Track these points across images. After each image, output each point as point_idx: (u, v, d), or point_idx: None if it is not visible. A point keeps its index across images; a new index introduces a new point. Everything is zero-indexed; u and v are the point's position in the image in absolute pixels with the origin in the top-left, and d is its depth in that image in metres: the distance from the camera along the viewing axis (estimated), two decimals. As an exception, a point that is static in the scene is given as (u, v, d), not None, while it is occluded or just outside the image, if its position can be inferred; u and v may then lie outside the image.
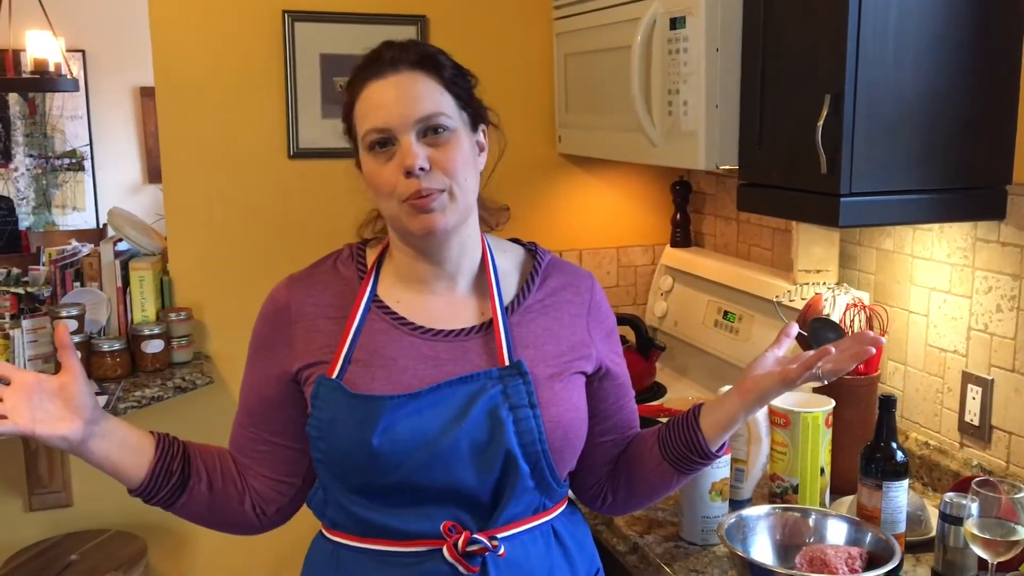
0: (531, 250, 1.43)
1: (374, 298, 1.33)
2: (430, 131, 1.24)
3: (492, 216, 1.42)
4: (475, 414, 1.24)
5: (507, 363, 1.28)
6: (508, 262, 1.39)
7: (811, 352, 1.29)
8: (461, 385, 1.26)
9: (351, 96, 1.28)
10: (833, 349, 1.28)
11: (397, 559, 1.26)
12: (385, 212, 1.29)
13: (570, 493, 1.42)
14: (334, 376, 1.27)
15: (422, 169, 1.22)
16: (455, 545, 1.23)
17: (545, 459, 1.27)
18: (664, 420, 1.46)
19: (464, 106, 1.30)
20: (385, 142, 1.24)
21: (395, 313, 1.32)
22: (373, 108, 1.24)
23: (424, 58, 1.27)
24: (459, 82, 1.30)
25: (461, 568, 1.23)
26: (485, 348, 1.30)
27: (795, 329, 1.37)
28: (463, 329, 1.32)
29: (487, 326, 1.32)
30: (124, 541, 2.41)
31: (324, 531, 1.35)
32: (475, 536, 1.24)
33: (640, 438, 1.43)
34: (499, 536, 1.26)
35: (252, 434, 1.37)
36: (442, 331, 1.31)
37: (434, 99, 1.25)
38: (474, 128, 1.32)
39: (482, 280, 1.36)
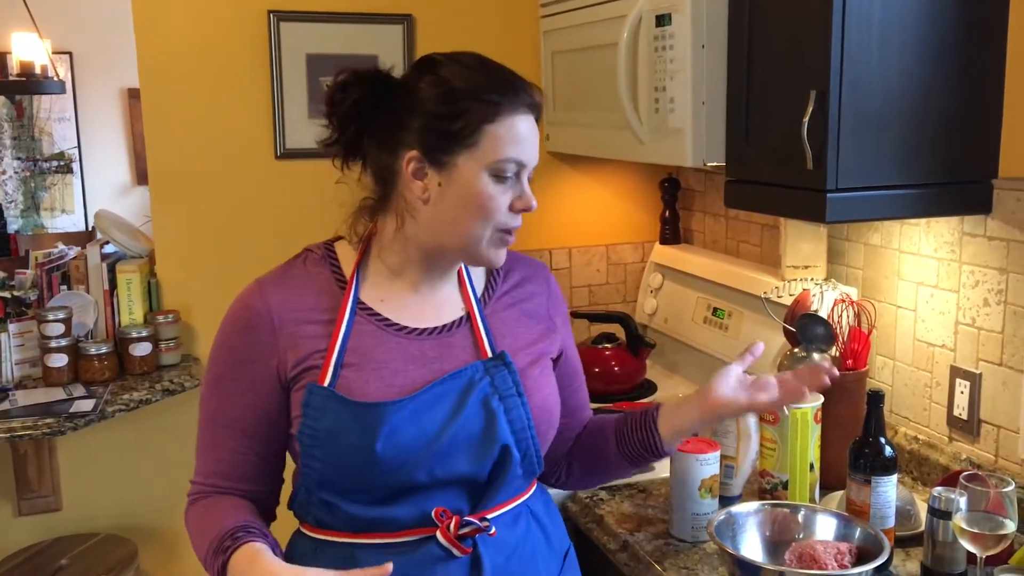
0: None
1: (358, 301, 1.33)
2: (529, 179, 1.32)
3: None
4: (469, 408, 1.27)
5: (490, 355, 1.33)
6: None
7: (771, 378, 1.39)
8: (452, 382, 1.29)
9: (489, 112, 1.25)
10: (789, 376, 1.39)
11: (390, 550, 1.27)
12: (465, 232, 1.28)
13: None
14: (326, 383, 1.26)
15: None
16: (448, 528, 1.26)
17: (533, 444, 1.32)
18: (619, 412, 1.52)
19: None
20: (511, 175, 1.28)
21: (380, 315, 1.33)
22: (520, 140, 1.28)
23: (541, 110, 1.33)
24: None
25: (455, 551, 1.26)
26: (467, 342, 1.34)
27: (760, 348, 1.44)
28: (444, 325, 1.35)
29: (465, 320, 1.36)
30: (114, 544, 2.40)
31: (303, 529, 1.35)
32: (466, 518, 1.27)
33: (597, 427, 1.52)
34: (489, 517, 1.30)
35: (254, 456, 1.33)
36: (425, 329, 1.34)
37: None
38: None
39: (454, 276, 1.40)
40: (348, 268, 1.35)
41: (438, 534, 1.26)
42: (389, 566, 1.16)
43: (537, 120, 1.32)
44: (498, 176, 1.26)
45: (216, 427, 1.33)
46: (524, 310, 1.42)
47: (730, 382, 1.40)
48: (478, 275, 1.43)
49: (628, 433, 1.45)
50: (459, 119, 1.24)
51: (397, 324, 1.32)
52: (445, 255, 1.33)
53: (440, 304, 1.37)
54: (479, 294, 1.40)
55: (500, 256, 1.32)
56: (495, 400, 1.29)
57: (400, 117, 1.28)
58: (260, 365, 1.30)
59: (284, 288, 1.33)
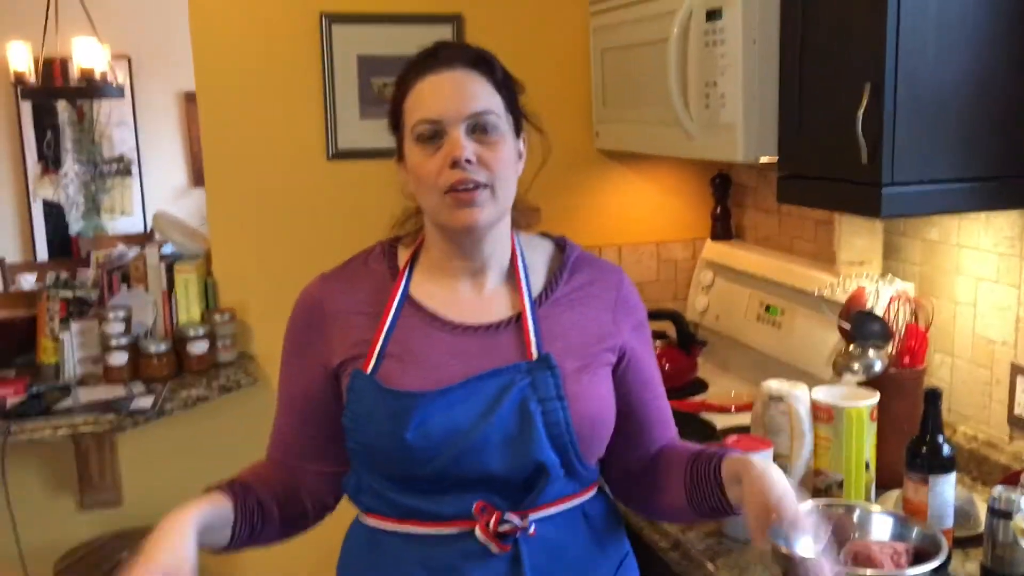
0: (560, 244, 1.45)
1: (407, 295, 1.35)
2: (479, 128, 1.28)
3: (523, 216, 1.43)
4: (505, 407, 1.26)
5: (535, 356, 1.30)
6: (537, 257, 1.42)
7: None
8: (491, 379, 1.28)
9: (402, 90, 1.32)
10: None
11: (432, 540, 1.28)
12: (426, 205, 1.32)
13: (601, 480, 1.44)
14: (369, 371, 1.29)
15: (468, 161, 1.26)
16: (487, 524, 1.26)
17: (573, 449, 1.30)
18: (692, 458, 1.38)
19: (511, 110, 1.34)
20: (434, 134, 1.27)
21: (427, 309, 1.34)
22: (426, 100, 1.28)
23: (479, 59, 1.32)
24: (509, 86, 1.34)
25: (493, 547, 1.27)
26: (514, 342, 1.33)
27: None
28: (492, 323, 1.34)
29: (516, 320, 1.35)
30: (173, 539, 2.45)
31: (360, 515, 1.38)
32: (506, 516, 1.27)
33: (670, 462, 1.41)
34: (530, 517, 1.29)
35: (304, 435, 1.39)
36: (472, 326, 1.34)
37: (486, 98, 1.29)
38: (516, 134, 1.36)
39: (511, 274, 1.39)
40: (403, 264, 1.39)
41: (476, 529, 1.27)
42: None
43: (479, 68, 1.30)
44: (420, 141, 1.28)
45: (282, 405, 1.42)
46: (583, 313, 1.37)
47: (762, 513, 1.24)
48: (538, 275, 1.40)
49: (701, 491, 1.33)
50: (393, 109, 1.34)
51: (443, 319, 1.34)
52: (448, 236, 1.34)
53: (490, 301, 1.36)
54: (536, 294, 1.37)
55: (464, 217, 1.27)
56: (533, 402, 1.27)
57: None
58: (310, 351, 1.36)
59: (341, 281, 1.39)
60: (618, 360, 1.40)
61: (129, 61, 6.13)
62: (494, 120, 1.29)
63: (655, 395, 1.46)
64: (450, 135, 1.26)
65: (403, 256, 1.40)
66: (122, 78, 5.91)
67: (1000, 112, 1.57)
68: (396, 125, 1.34)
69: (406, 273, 1.37)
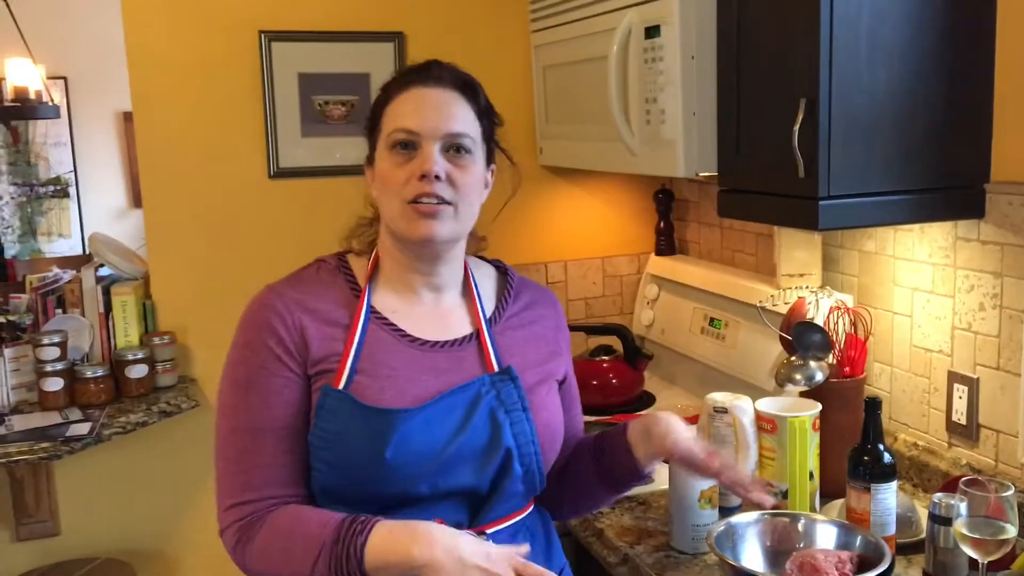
0: (500, 268, 1.51)
1: (371, 309, 1.35)
2: (453, 149, 1.31)
3: (472, 243, 1.46)
4: (477, 420, 1.29)
5: (496, 369, 1.34)
6: (484, 279, 1.47)
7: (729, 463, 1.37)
8: (461, 393, 1.30)
9: (386, 95, 1.34)
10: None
11: None
12: (386, 211, 1.32)
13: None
14: (341, 386, 1.27)
15: (437, 177, 1.28)
16: None
17: (536, 460, 1.32)
18: (595, 436, 1.48)
19: (486, 139, 1.37)
20: (409, 144, 1.29)
21: (394, 324, 1.35)
22: (408, 110, 1.30)
23: (467, 84, 1.35)
24: (490, 116, 1.38)
25: None
26: (476, 356, 1.36)
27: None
28: (455, 339, 1.36)
29: (474, 337, 1.38)
30: (113, 569, 2.38)
31: None
32: (465, 532, 1.25)
33: (577, 453, 1.49)
34: (487, 532, 1.30)
35: (295, 458, 1.28)
36: (438, 342, 1.35)
37: (466, 121, 1.33)
38: (487, 163, 1.39)
39: (466, 294, 1.42)
40: (361, 277, 1.38)
41: None
42: (526, 547, 1.22)
43: (466, 94, 1.34)
44: (394, 147, 1.30)
45: (255, 434, 1.27)
46: (533, 332, 1.44)
47: (683, 446, 1.36)
48: (488, 296, 1.44)
49: (608, 459, 1.42)
50: (371, 115, 1.36)
51: (410, 335, 1.35)
52: (406, 248, 1.34)
53: (449, 318, 1.39)
54: (489, 314, 1.42)
55: (422, 229, 1.28)
56: (501, 413, 1.31)
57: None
58: (288, 360, 1.28)
59: (299, 291, 1.34)
60: (562, 380, 1.46)
61: (66, 81, 6.02)
62: (469, 143, 1.32)
63: (577, 408, 1.55)
64: (424, 149, 1.29)
65: (359, 269, 1.39)
66: (58, 98, 5.79)
67: (931, 126, 1.61)
68: (372, 128, 1.36)
69: (368, 287, 1.36)
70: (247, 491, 1.26)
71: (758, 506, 1.70)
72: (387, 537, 1.16)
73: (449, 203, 1.29)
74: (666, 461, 1.44)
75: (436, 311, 1.38)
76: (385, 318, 1.34)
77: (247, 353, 1.30)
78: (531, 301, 1.47)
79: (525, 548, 1.22)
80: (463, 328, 1.38)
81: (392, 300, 1.37)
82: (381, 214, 1.36)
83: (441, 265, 1.37)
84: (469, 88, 1.35)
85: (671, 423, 1.37)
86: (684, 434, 1.36)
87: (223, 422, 1.30)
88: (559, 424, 1.40)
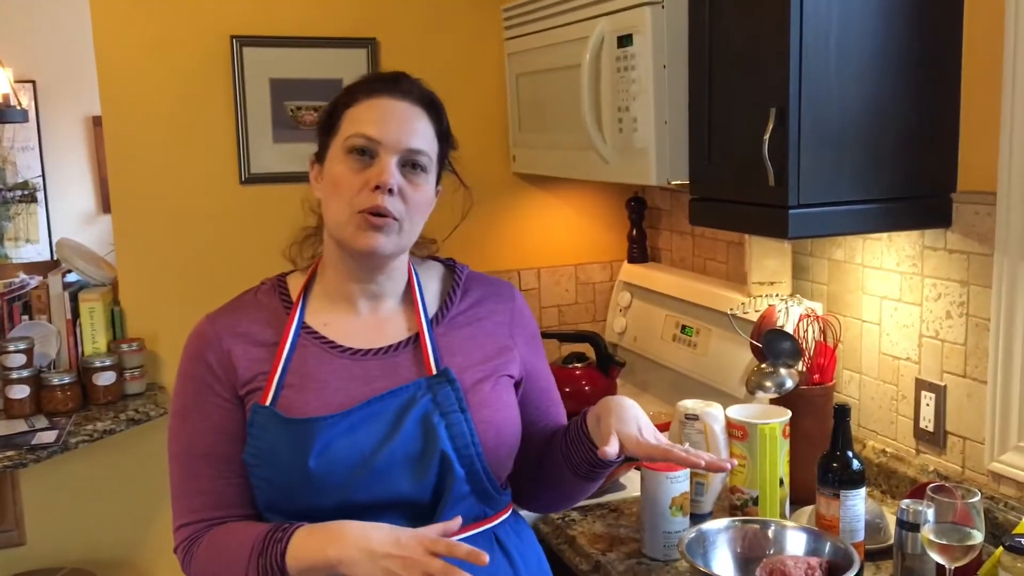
0: (449, 266, 1.49)
1: (302, 324, 1.35)
2: (409, 165, 1.30)
3: (419, 247, 1.45)
4: (408, 425, 1.27)
5: (434, 372, 1.32)
6: (430, 279, 1.45)
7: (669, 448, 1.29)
8: (391, 398, 1.29)
9: (350, 97, 1.33)
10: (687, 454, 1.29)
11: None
12: (332, 216, 1.31)
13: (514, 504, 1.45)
14: (268, 403, 1.27)
15: (390, 191, 1.27)
16: None
17: (480, 462, 1.31)
18: (563, 428, 1.46)
19: (440, 160, 1.37)
20: (366, 151, 1.28)
21: (324, 337, 1.34)
22: (372, 118, 1.29)
23: (433, 103, 1.35)
24: (447, 139, 1.39)
25: None
26: (414, 361, 1.34)
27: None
28: (391, 345, 1.35)
29: (414, 340, 1.36)
30: (79, 579, 2.36)
31: None
32: None
33: (549, 452, 1.46)
34: None
35: (233, 481, 1.30)
36: (371, 350, 1.34)
37: (427, 139, 1.32)
38: (436, 182, 1.39)
39: (407, 297, 1.40)
40: (296, 295, 1.38)
41: None
42: (456, 522, 1.20)
43: (431, 112, 1.34)
44: (351, 153, 1.28)
45: (192, 460, 1.32)
46: (480, 328, 1.41)
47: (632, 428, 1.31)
48: (431, 296, 1.43)
49: (570, 445, 1.40)
50: (329, 114, 1.34)
51: (341, 346, 1.34)
52: (348, 256, 1.33)
53: (385, 325, 1.37)
54: (432, 314, 1.40)
55: (367, 240, 1.27)
56: (436, 416, 1.28)
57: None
58: (218, 387, 1.31)
59: (232, 317, 1.36)
60: (520, 376, 1.43)
61: (34, 85, 5.95)
62: (425, 161, 1.32)
63: (553, 401, 1.52)
64: (381, 159, 1.28)
65: (295, 286, 1.40)
66: (26, 102, 5.72)
67: (899, 136, 1.63)
68: (329, 126, 1.33)
69: (300, 302, 1.36)
70: (190, 513, 1.32)
71: (730, 510, 1.71)
72: (305, 541, 1.19)
73: (396, 219, 1.29)
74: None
75: (373, 320, 1.37)
76: (315, 331, 1.34)
77: (183, 382, 1.35)
78: (481, 297, 1.44)
79: (455, 523, 1.19)
80: (400, 333, 1.37)
81: (326, 313, 1.36)
82: (325, 217, 1.34)
83: (380, 275, 1.36)
84: (434, 107, 1.36)
85: (619, 408, 1.33)
86: (628, 419, 1.31)
87: (169, 446, 1.36)
88: (507, 419, 1.36)
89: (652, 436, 1.30)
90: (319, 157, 1.36)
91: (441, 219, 1.48)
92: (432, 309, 1.41)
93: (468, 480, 1.30)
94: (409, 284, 1.41)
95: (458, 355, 1.36)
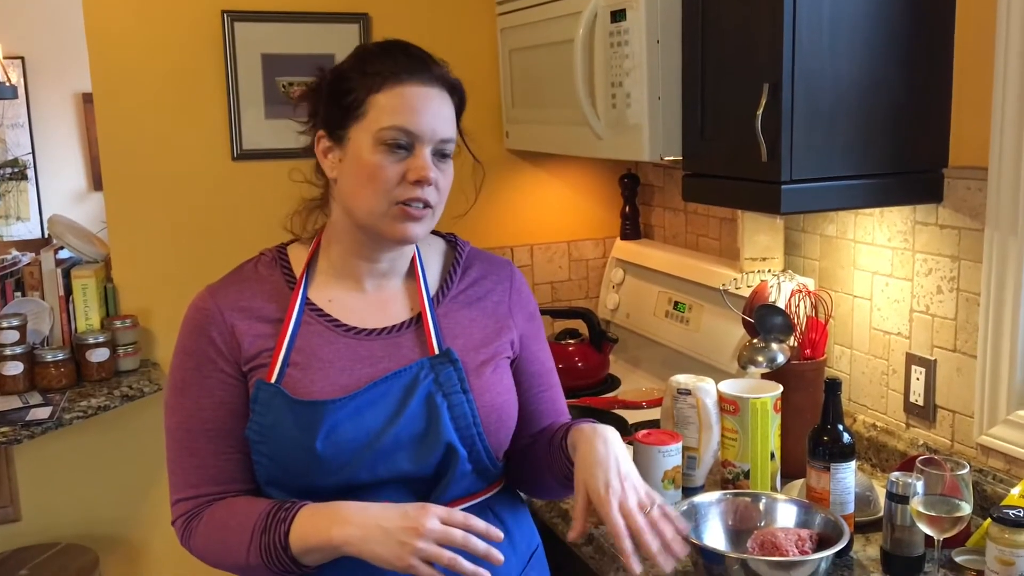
0: (450, 241, 1.48)
1: (306, 300, 1.34)
2: (438, 153, 1.29)
3: None
4: (412, 406, 1.27)
5: (437, 352, 1.32)
6: (431, 255, 1.44)
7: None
8: (396, 379, 1.29)
9: (373, 80, 1.27)
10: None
11: None
12: (364, 206, 1.28)
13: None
14: (273, 380, 1.27)
15: (428, 183, 1.27)
16: None
17: (481, 442, 1.31)
18: (552, 433, 1.42)
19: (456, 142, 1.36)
20: (402, 145, 1.26)
21: (328, 315, 1.33)
22: (407, 109, 1.26)
23: (456, 88, 1.33)
24: (460, 121, 1.36)
25: None
26: (416, 341, 1.34)
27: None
28: (394, 325, 1.35)
29: (416, 320, 1.36)
30: (75, 554, 2.36)
31: None
32: None
33: (537, 445, 1.44)
34: None
35: (232, 457, 1.31)
36: (375, 330, 1.34)
37: (452, 125, 1.32)
38: None
39: (410, 275, 1.39)
40: (299, 269, 1.37)
41: None
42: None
43: (454, 96, 1.32)
44: (387, 145, 1.26)
45: (191, 435, 1.31)
46: (481, 308, 1.40)
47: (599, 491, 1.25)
48: (433, 272, 1.42)
49: (552, 462, 1.38)
50: (350, 93, 1.28)
51: (345, 325, 1.33)
52: (364, 236, 1.32)
53: (389, 304, 1.37)
54: (433, 292, 1.39)
55: (406, 231, 1.28)
56: (439, 396, 1.29)
57: (316, 106, 1.33)
58: (221, 363, 1.30)
59: (234, 290, 1.34)
60: (516, 355, 1.43)
61: (23, 61, 5.90)
62: (452, 148, 1.32)
63: (547, 385, 1.48)
64: (418, 152, 1.27)
65: (296, 259, 1.38)
66: (16, 79, 5.68)
67: (892, 111, 1.63)
68: (348, 107, 1.27)
69: (304, 278, 1.35)
70: (188, 488, 1.31)
71: (721, 483, 1.73)
72: (309, 522, 1.19)
73: (430, 206, 1.29)
74: None
75: (377, 298, 1.36)
76: (320, 309, 1.33)
77: (182, 356, 1.33)
78: (480, 275, 1.43)
79: (461, 517, 1.18)
80: (403, 313, 1.36)
81: (330, 289, 1.35)
82: (347, 201, 1.31)
83: (391, 253, 1.36)
84: (457, 92, 1.34)
85: (591, 457, 1.26)
86: (597, 476, 1.25)
87: (166, 421, 1.35)
88: (506, 403, 1.36)
89: (615, 497, 1.23)
90: (333, 134, 1.30)
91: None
92: (433, 286, 1.40)
93: (469, 459, 1.31)
94: (412, 261, 1.40)
95: (460, 337, 1.36)
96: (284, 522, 1.20)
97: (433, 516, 1.16)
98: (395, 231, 1.28)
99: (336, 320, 1.33)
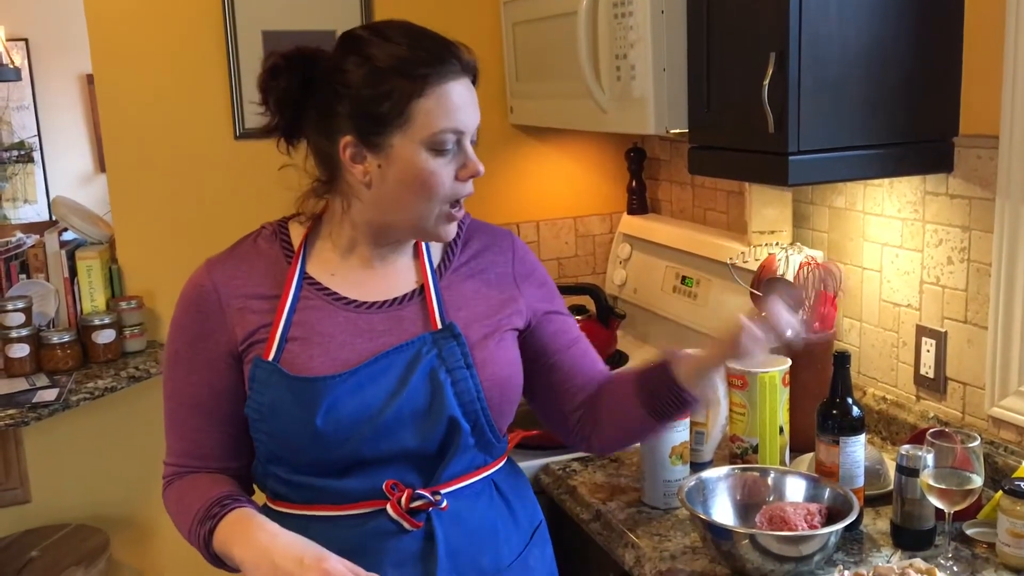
0: None
1: (304, 275, 1.32)
2: (473, 142, 1.28)
3: None
4: (415, 381, 1.26)
5: (440, 326, 1.30)
6: None
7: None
8: (397, 354, 1.27)
9: (415, 85, 1.21)
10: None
11: (342, 522, 1.27)
12: (412, 212, 1.26)
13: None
14: (270, 358, 1.26)
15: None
16: (398, 502, 1.25)
17: (484, 416, 1.30)
18: (632, 371, 1.42)
19: None
20: (451, 145, 1.24)
21: (328, 289, 1.32)
22: (454, 109, 1.24)
23: (477, 71, 1.30)
24: None
25: (405, 524, 1.26)
26: (419, 314, 1.32)
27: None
28: (396, 298, 1.33)
29: (419, 292, 1.34)
30: (85, 535, 2.38)
31: (268, 503, 1.35)
32: (418, 492, 1.26)
33: (616, 389, 1.42)
34: (442, 492, 1.28)
35: (217, 435, 1.32)
36: (376, 303, 1.32)
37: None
38: None
39: (414, 249, 1.38)
40: (298, 243, 1.35)
41: (388, 507, 1.26)
42: None
43: (474, 80, 1.29)
44: (437, 150, 1.23)
45: (178, 406, 1.33)
46: (484, 280, 1.38)
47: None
48: (435, 246, 1.40)
49: (650, 392, 1.36)
50: (387, 99, 1.21)
51: (346, 298, 1.31)
52: (395, 233, 1.32)
53: (393, 277, 1.35)
54: (436, 264, 1.37)
55: (450, 231, 1.30)
56: (442, 372, 1.27)
57: (330, 101, 1.25)
58: (211, 342, 1.30)
59: (231, 265, 1.33)
60: (527, 325, 1.41)
61: (27, 43, 5.88)
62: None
63: (571, 341, 1.46)
64: (465, 148, 1.26)
65: (296, 235, 1.36)
66: (19, 61, 5.67)
67: (900, 79, 1.60)
68: (387, 115, 1.21)
69: (301, 253, 1.33)
70: (171, 454, 1.35)
71: (730, 458, 1.72)
72: (227, 532, 1.22)
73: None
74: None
75: (381, 271, 1.34)
76: (318, 283, 1.31)
77: (176, 330, 1.34)
78: (482, 247, 1.41)
79: None
80: (407, 285, 1.34)
81: (331, 265, 1.33)
82: (390, 208, 1.26)
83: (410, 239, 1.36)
84: (477, 75, 1.31)
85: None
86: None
87: (163, 388, 1.36)
88: (510, 377, 1.35)
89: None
90: (368, 142, 1.23)
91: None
92: (436, 257, 1.38)
93: (473, 434, 1.30)
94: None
95: (463, 309, 1.34)
96: (214, 519, 1.23)
97: (322, 575, 1.13)
98: (440, 233, 1.29)
99: (335, 293, 1.31)
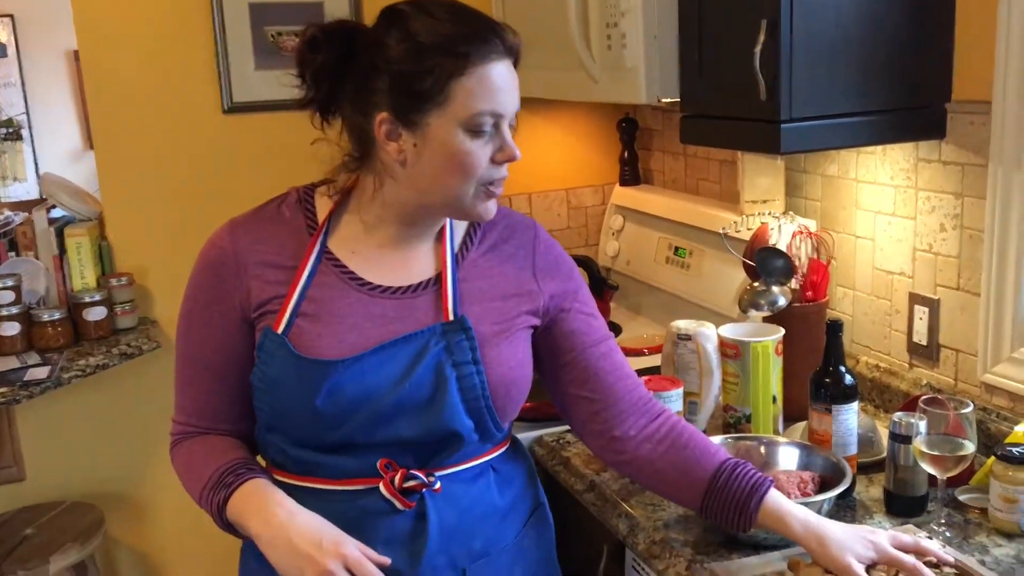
0: None
1: (325, 250, 1.29)
2: (512, 126, 1.26)
3: None
4: (420, 372, 1.24)
5: (451, 318, 1.27)
6: None
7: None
8: (405, 344, 1.25)
9: (456, 64, 1.18)
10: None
11: (336, 496, 1.26)
12: (448, 192, 1.24)
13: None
14: (280, 330, 1.24)
15: None
16: (392, 481, 1.24)
17: (489, 413, 1.29)
18: (724, 470, 1.33)
19: None
20: (489, 127, 1.22)
21: (346, 267, 1.29)
22: (494, 91, 1.21)
23: (519, 51, 1.26)
24: None
25: (398, 503, 1.25)
26: (432, 304, 1.29)
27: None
28: (411, 286, 1.30)
29: (435, 281, 1.31)
30: (81, 512, 2.38)
31: (268, 470, 1.34)
32: (412, 472, 1.25)
33: (687, 460, 1.35)
34: (436, 474, 1.27)
35: (226, 397, 1.31)
36: (391, 288, 1.30)
37: None
38: None
39: (433, 234, 1.35)
40: (322, 216, 1.32)
41: (381, 486, 1.25)
42: (387, 560, 1.19)
43: (516, 63, 1.25)
44: (474, 131, 1.20)
45: (189, 366, 1.33)
46: (502, 274, 1.34)
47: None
48: (458, 233, 1.36)
49: (720, 506, 1.32)
50: (427, 77, 1.18)
51: (361, 279, 1.29)
52: (429, 212, 1.29)
53: (413, 262, 1.32)
54: (456, 249, 1.34)
55: (488, 209, 1.27)
56: (448, 367, 1.25)
57: (369, 76, 1.22)
58: (225, 306, 1.28)
59: (254, 229, 1.30)
60: (543, 321, 1.37)
61: (12, 19, 5.82)
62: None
63: (593, 341, 1.39)
64: (503, 132, 1.24)
65: (322, 206, 1.33)
66: (5, 37, 5.61)
67: (893, 46, 1.59)
68: (426, 93, 1.18)
69: (325, 226, 1.30)
70: (181, 413, 1.35)
71: (723, 427, 1.71)
72: (243, 501, 1.22)
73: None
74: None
75: (401, 255, 1.31)
76: (337, 260, 1.29)
77: (193, 289, 1.32)
78: (502, 238, 1.37)
79: (386, 561, 1.18)
80: (426, 271, 1.32)
81: (352, 242, 1.30)
82: (426, 187, 1.24)
83: (441, 220, 1.33)
84: (519, 57, 1.27)
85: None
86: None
87: (176, 342, 1.35)
88: (519, 377, 1.31)
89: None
90: (403, 119, 1.20)
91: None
92: (456, 242, 1.35)
93: (476, 429, 1.29)
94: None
95: (477, 304, 1.30)
96: (228, 487, 1.23)
97: (340, 559, 1.14)
98: (478, 211, 1.27)
99: (352, 273, 1.29)
